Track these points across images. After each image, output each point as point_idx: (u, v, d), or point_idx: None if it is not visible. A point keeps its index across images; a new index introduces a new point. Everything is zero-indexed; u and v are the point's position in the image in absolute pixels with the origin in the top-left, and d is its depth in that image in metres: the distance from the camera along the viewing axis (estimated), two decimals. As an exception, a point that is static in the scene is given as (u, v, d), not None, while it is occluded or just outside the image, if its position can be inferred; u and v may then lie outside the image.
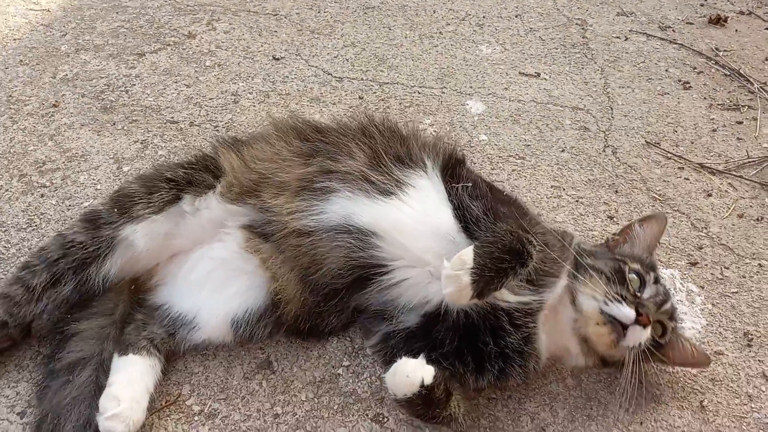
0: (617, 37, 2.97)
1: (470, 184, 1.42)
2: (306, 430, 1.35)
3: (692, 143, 2.32)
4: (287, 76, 2.53)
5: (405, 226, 1.37)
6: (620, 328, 1.30)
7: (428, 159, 1.50)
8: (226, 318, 1.43)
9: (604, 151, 2.25)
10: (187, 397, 1.39)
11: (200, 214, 1.49)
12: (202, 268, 1.48)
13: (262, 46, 2.71)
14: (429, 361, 1.27)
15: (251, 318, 1.44)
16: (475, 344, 1.34)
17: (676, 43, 2.96)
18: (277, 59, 2.64)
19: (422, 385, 1.20)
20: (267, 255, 1.44)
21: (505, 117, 2.39)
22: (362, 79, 2.55)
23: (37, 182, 1.90)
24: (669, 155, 2.24)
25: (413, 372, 1.20)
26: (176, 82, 2.43)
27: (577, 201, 2.02)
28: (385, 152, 1.48)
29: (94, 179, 1.93)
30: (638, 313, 1.30)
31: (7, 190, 1.87)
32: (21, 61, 2.47)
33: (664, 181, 2.13)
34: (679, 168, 2.19)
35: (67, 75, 2.42)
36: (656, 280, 1.42)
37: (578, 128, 2.35)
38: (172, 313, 1.44)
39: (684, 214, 1.99)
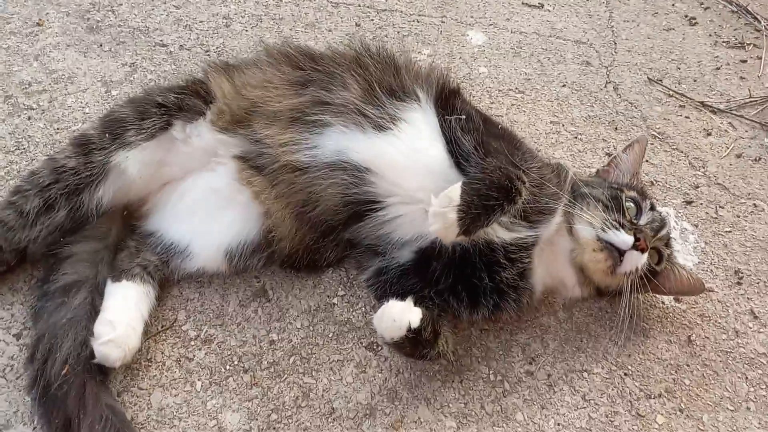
0: (624, -32, 2.86)
1: (463, 117, 1.37)
2: (301, 356, 1.37)
3: (695, 81, 2.27)
4: (280, 0, 2.43)
5: (398, 164, 1.34)
6: (617, 254, 1.31)
7: (421, 91, 1.44)
8: (220, 248, 1.43)
9: (605, 87, 2.20)
10: (183, 322, 1.40)
11: (191, 141, 1.45)
12: (194, 196, 1.46)
13: (254, -34, 2.59)
14: (421, 298, 1.27)
15: (245, 250, 1.43)
16: (470, 280, 1.34)
17: (684, -23, 2.86)
18: (271, -19, 2.52)
19: (409, 329, 1.19)
20: (260, 188, 1.41)
21: (506, 49, 2.32)
22: (359, 5, 2.45)
23: (24, 104, 1.84)
24: (671, 93, 2.20)
25: (400, 316, 1.19)
26: (165, 3, 2.32)
27: (576, 137, 1.99)
28: (379, 84, 1.42)
29: (81, 102, 1.86)
30: (636, 239, 1.31)
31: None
32: (0, -25, 2.34)
33: (665, 119, 2.10)
34: (680, 106, 2.16)
35: (50, -8, 2.30)
36: (652, 207, 1.43)
37: (580, 63, 2.30)
38: (164, 240, 1.43)
39: (682, 152, 1.98)
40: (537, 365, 1.41)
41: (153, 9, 2.29)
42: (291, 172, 1.37)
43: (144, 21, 2.23)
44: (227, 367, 1.34)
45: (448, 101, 1.45)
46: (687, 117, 2.12)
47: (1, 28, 2.11)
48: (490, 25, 2.43)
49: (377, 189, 1.34)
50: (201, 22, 2.26)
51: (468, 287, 1.34)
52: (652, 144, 1.99)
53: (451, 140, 1.34)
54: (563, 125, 2.03)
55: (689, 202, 1.82)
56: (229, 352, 1.36)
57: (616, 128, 2.04)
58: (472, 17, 2.46)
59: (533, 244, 1.34)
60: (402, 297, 1.24)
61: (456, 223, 1.14)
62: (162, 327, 1.39)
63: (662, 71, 2.30)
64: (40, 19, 2.17)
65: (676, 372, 1.44)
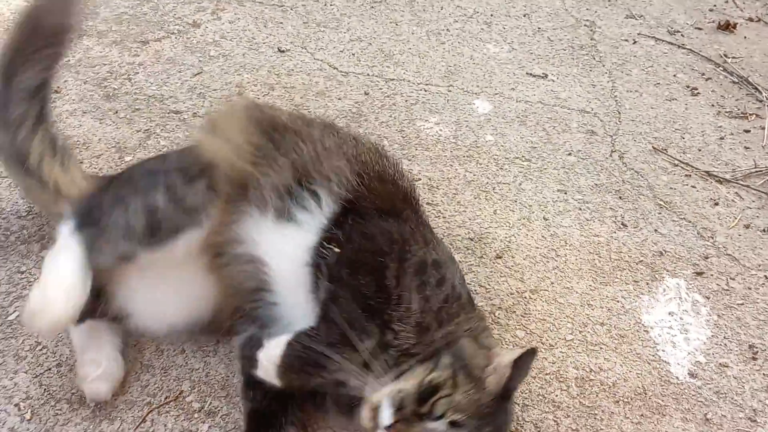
0: (626, 40, 2.95)
1: (338, 251, 1.22)
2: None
3: (699, 150, 2.30)
4: (292, 69, 2.50)
5: (279, 263, 1.30)
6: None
7: (323, 190, 1.31)
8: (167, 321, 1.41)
9: (611, 155, 2.23)
10: (187, 393, 1.37)
11: None
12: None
13: (267, 37, 2.68)
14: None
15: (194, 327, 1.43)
16: None
17: (684, 48, 2.94)
18: (283, 51, 2.61)
19: None
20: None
21: (512, 117, 2.36)
22: (368, 75, 2.52)
23: (38, 170, 1.87)
24: (676, 162, 2.23)
25: None
26: (180, 72, 2.40)
27: (582, 206, 2.00)
28: (303, 168, 1.34)
29: (95, 168, 1.90)
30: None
31: (6, 177, 1.83)
32: (22, 44, 2.43)
33: (671, 188, 2.11)
34: (686, 175, 2.18)
35: (69, 61, 2.38)
36: (453, 425, 1.09)
37: (585, 132, 2.33)
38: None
39: (690, 222, 1.98)
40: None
41: (168, 78, 2.35)
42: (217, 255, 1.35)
43: (159, 89, 2.29)
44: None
45: (351, 210, 1.29)
46: (693, 186, 2.13)
47: (21, 95, 2.17)
48: (496, 94, 2.49)
49: (268, 278, 1.30)
50: (215, 90, 2.32)
51: None
52: (660, 213, 2.00)
53: (316, 271, 1.24)
54: (570, 193, 2.04)
55: (699, 273, 1.81)
56: (233, 426, 1.33)
57: (621, 197, 2.05)
58: (477, 86, 2.52)
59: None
60: None
61: (276, 378, 1.16)
62: (166, 399, 1.36)
63: (667, 140, 2.33)
64: (58, 87, 2.23)
65: (693, 452, 1.40)
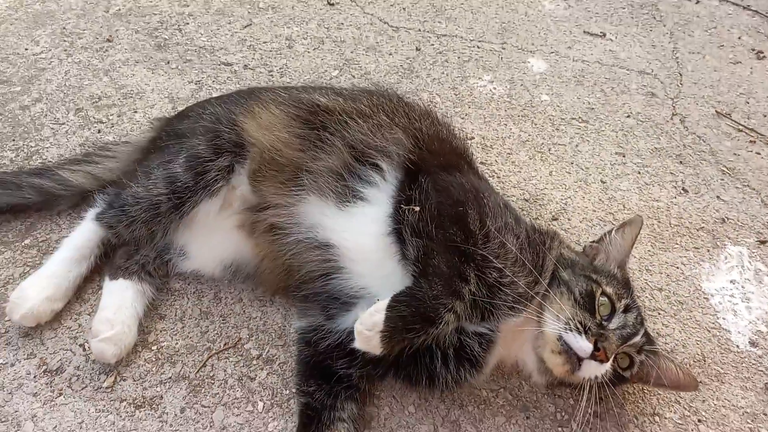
0: (688, 0, 2.81)
1: (417, 210, 1.22)
2: (363, 382, 1.34)
3: (765, 116, 2.20)
4: (342, 23, 2.45)
5: (353, 245, 1.28)
6: (576, 359, 1.19)
7: (385, 160, 1.32)
8: (215, 259, 1.46)
9: (671, 119, 2.15)
10: (245, 341, 1.39)
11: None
12: (202, 215, 1.43)
13: (316, -11, 2.62)
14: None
15: (238, 270, 1.46)
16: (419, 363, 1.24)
17: (750, 10, 2.79)
18: (332, 5, 2.55)
19: None
20: (258, 238, 1.40)
21: (569, 77, 2.29)
22: (419, 30, 2.46)
23: (94, 117, 1.88)
24: (740, 127, 2.14)
25: None
26: (230, 23, 2.37)
27: (642, 170, 1.94)
28: (355, 146, 1.34)
29: (150, 117, 1.89)
30: (596, 348, 1.17)
31: (63, 124, 1.85)
32: (74, -8, 2.42)
33: (735, 154, 2.03)
34: (750, 141, 2.09)
35: (120, 10, 2.37)
36: (627, 308, 1.25)
37: (645, 93, 2.25)
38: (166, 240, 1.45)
39: (754, 190, 1.91)
40: (605, 406, 1.35)
41: (218, 29, 2.33)
42: (274, 233, 1.35)
43: (210, 40, 2.27)
44: (289, 389, 1.32)
45: (412, 180, 1.28)
46: (758, 153, 2.05)
47: (74, 43, 2.18)
48: (552, 53, 2.41)
49: (340, 261, 1.29)
50: (264, 42, 2.29)
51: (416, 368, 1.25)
52: (722, 180, 1.92)
53: (399, 237, 1.22)
54: (628, 156, 1.98)
55: (763, 242, 1.74)
56: (290, 374, 1.34)
57: (682, 162, 1.98)
58: (533, 44, 2.44)
59: (492, 340, 1.23)
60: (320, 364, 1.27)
61: (379, 344, 1.10)
62: (225, 345, 1.38)
63: (731, 105, 2.23)
64: (110, 36, 2.23)
65: (752, 421, 1.37)
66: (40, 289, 1.34)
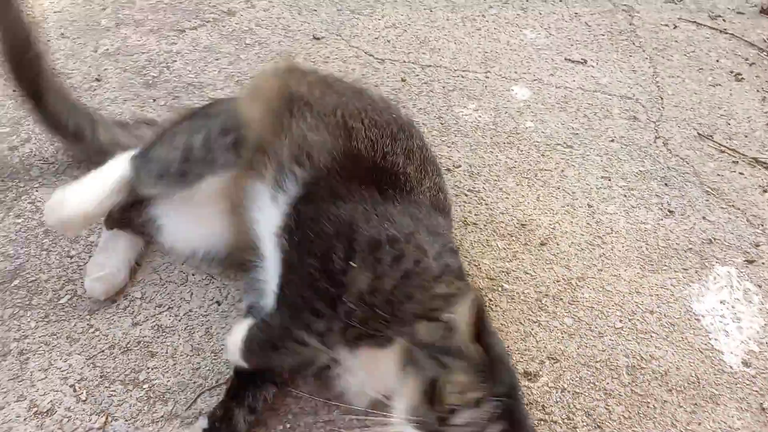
0: (666, 25, 2.88)
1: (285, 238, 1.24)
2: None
3: (746, 137, 2.24)
4: (328, 57, 2.49)
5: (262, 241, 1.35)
6: None
7: (298, 169, 1.30)
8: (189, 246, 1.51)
9: (654, 142, 2.18)
10: (237, 378, 1.38)
11: None
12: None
13: (302, 25, 2.67)
14: None
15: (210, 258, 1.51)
16: None
17: (726, 33, 2.86)
18: (318, 39, 2.59)
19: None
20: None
21: (552, 104, 2.33)
22: (404, 61, 2.50)
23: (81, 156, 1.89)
24: (722, 148, 2.17)
25: None
26: (217, 60, 2.40)
27: (627, 192, 1.96)
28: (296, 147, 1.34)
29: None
30: None
31: (53, 164, 1.86)
32: (62, 34, 2.45)
33: (718, 174, 2.06)
34: (733, 162, 2.12)
35: (108, 49, 2.40)
36: (477, 403, 1.02)
37: (627, 118, 2.29)
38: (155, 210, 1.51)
39: (739, 209, 1.93)
40: None
41: (206, 66, 2.36)
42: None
43: (197, 77, 2.30)
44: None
45: (303, 200, 1.27)
46: (741, 173, 2.08)
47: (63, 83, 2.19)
48: (535, 80, 2.45)
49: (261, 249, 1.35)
50: (251, 77, 2.32)
51: None
52: (707, 200, 1.95)
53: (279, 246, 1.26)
54: (614, 180, 2.00)
55: (750, 261, 1.76)
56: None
57: (667, 184, 2.01)
58: (516, 73, 2.48)
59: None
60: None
61: (243, 361, 1.21)
62: (217, 381, 1.36)
63: (712, 126, 2.28)
64: (98, 75, 2.25)
65: (749, 442, 1.37)
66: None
